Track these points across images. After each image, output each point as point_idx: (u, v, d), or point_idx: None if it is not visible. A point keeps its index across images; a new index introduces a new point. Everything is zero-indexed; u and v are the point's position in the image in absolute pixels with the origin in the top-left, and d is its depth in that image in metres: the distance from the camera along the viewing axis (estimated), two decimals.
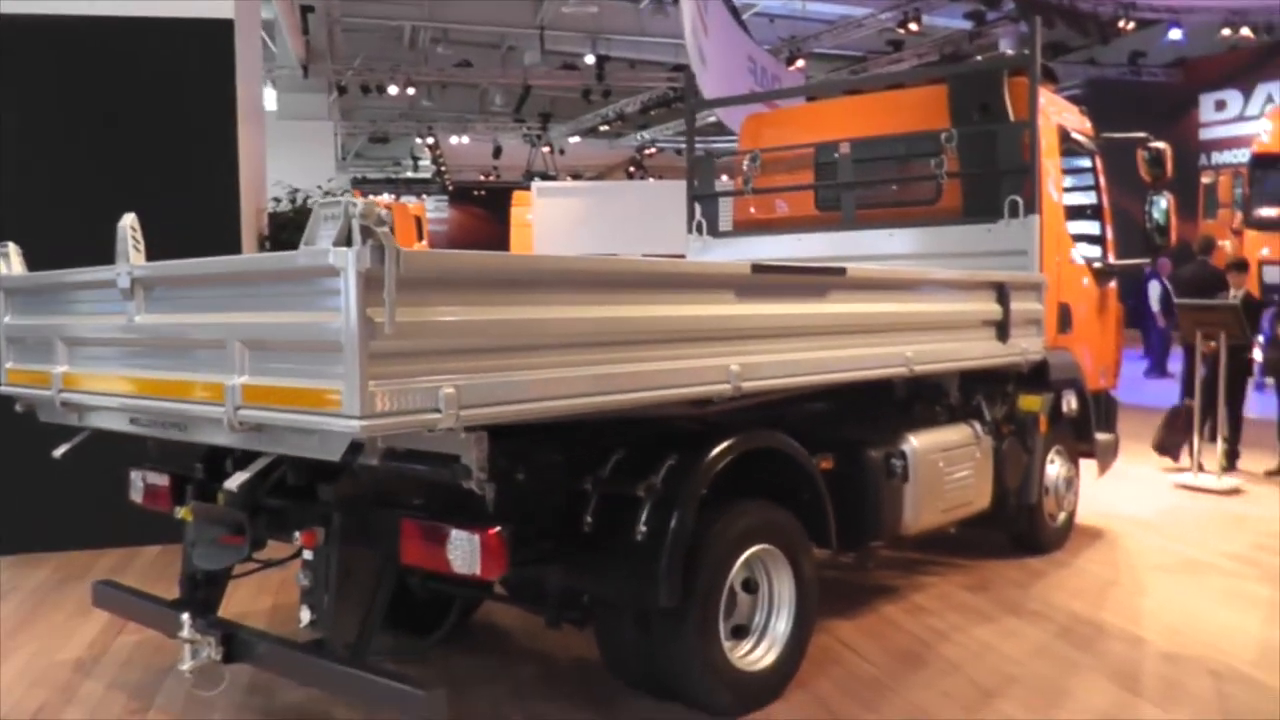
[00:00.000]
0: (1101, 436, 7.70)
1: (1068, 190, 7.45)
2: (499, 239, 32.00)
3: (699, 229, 8.17)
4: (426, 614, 5.20)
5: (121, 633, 5.74)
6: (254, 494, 4.43)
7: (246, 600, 5.97)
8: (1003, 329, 6.19)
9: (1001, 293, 6.17)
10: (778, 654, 4.81)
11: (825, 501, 5.04)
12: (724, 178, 8.48)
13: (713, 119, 15.83)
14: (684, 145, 9.02)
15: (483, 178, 41.84)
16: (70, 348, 4.53)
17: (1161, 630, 5.74)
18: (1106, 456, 7.82)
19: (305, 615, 4.25)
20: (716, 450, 4.54)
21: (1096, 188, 7.84)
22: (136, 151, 7.60)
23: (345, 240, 3.22)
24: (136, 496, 5.09)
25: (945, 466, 5.94)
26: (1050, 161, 7.02)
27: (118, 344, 4.32)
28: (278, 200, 9.82)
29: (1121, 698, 4.86)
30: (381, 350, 3.24)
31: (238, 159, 7.93)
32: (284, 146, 25.40)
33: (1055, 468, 7.15)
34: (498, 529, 3.88)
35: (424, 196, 45.51)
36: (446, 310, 3.43)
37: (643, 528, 4.32)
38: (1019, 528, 6.93)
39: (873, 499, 5.51)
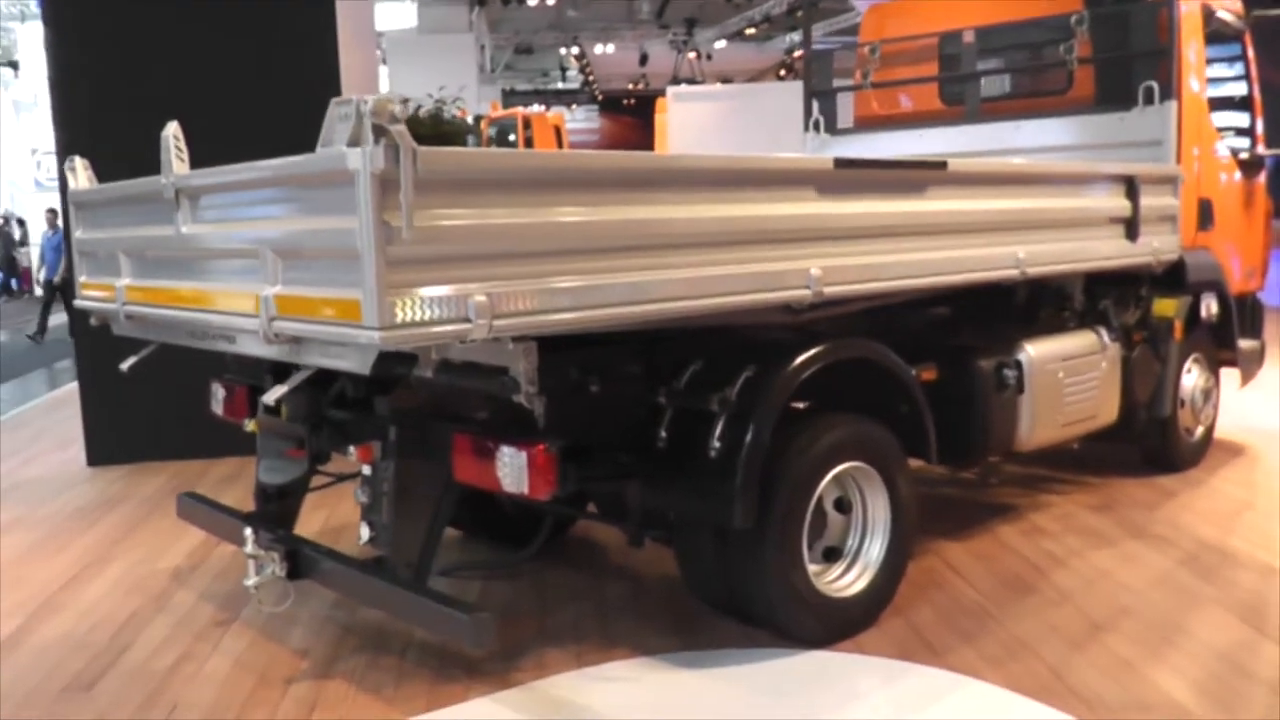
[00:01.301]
0: (1245, 343, 7.04)
1: (1212, 78, 6.75)
2: (649, 147, 31.67)
3: (816, 126, 7.74)
4: (522, 527, 5.07)
5: (221, 544, 5.74)
6: (314, 406, 4.34)
7: (329, 515, 5.94)
8: (1132, 227, 5.66)
9: (1131, 187, 5.63)
10: (870, 579, 4.51)
11: (925, 415, 4.68)
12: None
13: (859, 18, 15.07)
14: (835, 46, 8.58)
15: (631, 86, 41.38)
16: (131, 260, 4.45)
17: None
18: (1250, 365, 7.17)
19: (364, 533, 4.15)
20: (798, 361, 4.22)
21: (1246, 72, 7.11)
22: (227, 71, 7.53)
23: (358, 141, 2.99)
24: (216, 408, 5.05)
25: (1065, 377, 5.49)
26: (1192, 43, 6.36)
27: (169, 256, 4.21)
28: None
29: (1244, 635, 4.41)
30: (401, 256, 3.02)
31: (339, 78, 7.75)
32: (425, 60, 25.52)
33: (1192, 378, 6.59)
34: (545, 445, 3.67)
35: (573, 107, 45.33)
36: (474, 214, 3.18)
37: (716, 443, 4.06)
38: (1151, 443, 6.43)
39: (981, 412, 5.13)
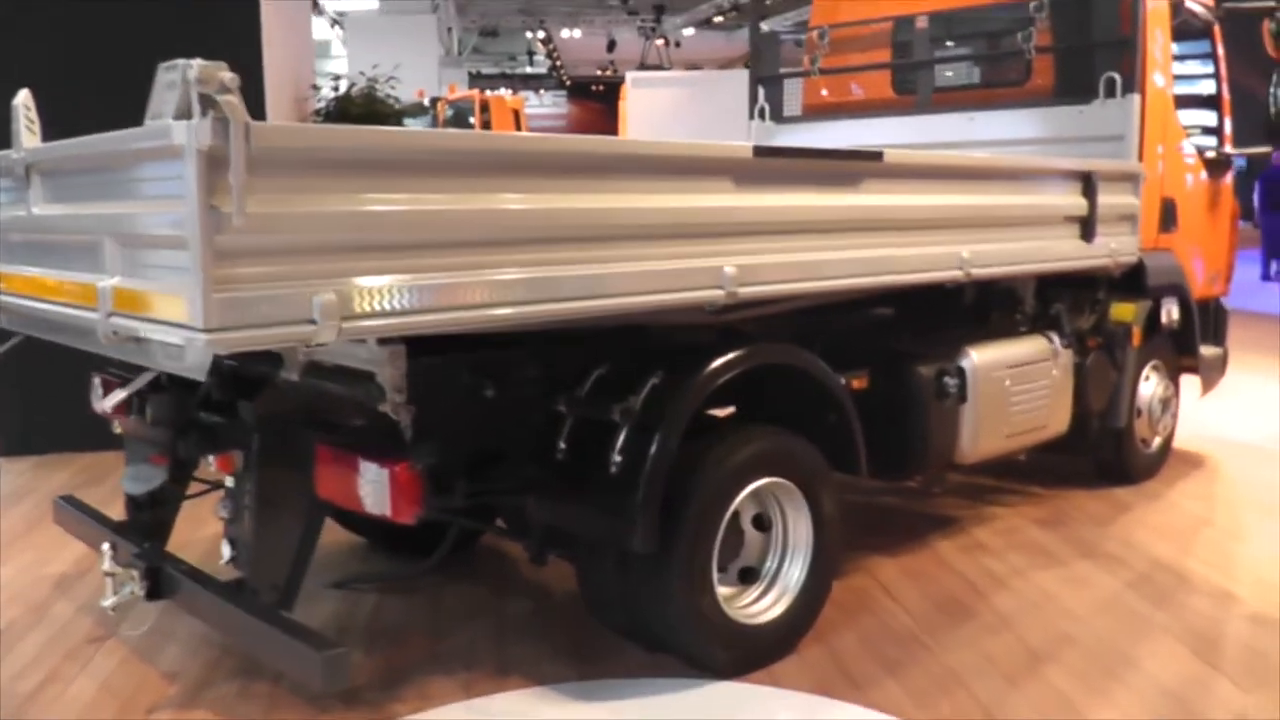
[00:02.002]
0: (1207, 351, 6.71)
1: (1179, 74, 6.40)
2: (616, 133, 31.30)
3: (761, 114, 7.36)
4: (429, 537, 4.67)
5: None
6: (179, 409, 3.94)
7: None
8: (1088, 227, 5.32)
9: (1088, 184, 5.28)
10: (788, 605, 4.14)
11: (854, 426, 4.32)
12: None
13: None
14: (785, 31, 8.21)
15: (599, 72, 40.97)
16: None
17: (1256, 585, 4.88)
18: (1212, 373, 6.84)
19: (226, 551, 3.76)
20: (711, 367, 3.86)
21: (1215, 68, 6.78)
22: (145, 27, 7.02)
23: (186, 113, 2.60)
24: (95, 404, 4.62)
25: (1012, 385, 5.14)
26: (1157, 35, 6.01)
27: (24, 240, 3.79)
28: (316, 89, 9.23)
29: (1194, 669, 4.07)
30: (231, 247, 2.62)
31: (261, 41, 7.31)
32: (388, 41, 25.00)
33: (1150, 386, 6.25)
34: (409, 462, 3.28)
35: (541, 92, 44.82)
36: (322, 199, 2.78)
37: (617, 458, 3.69)
38: (1105, 455, 6.10)
39: (919, 423, 4.78)
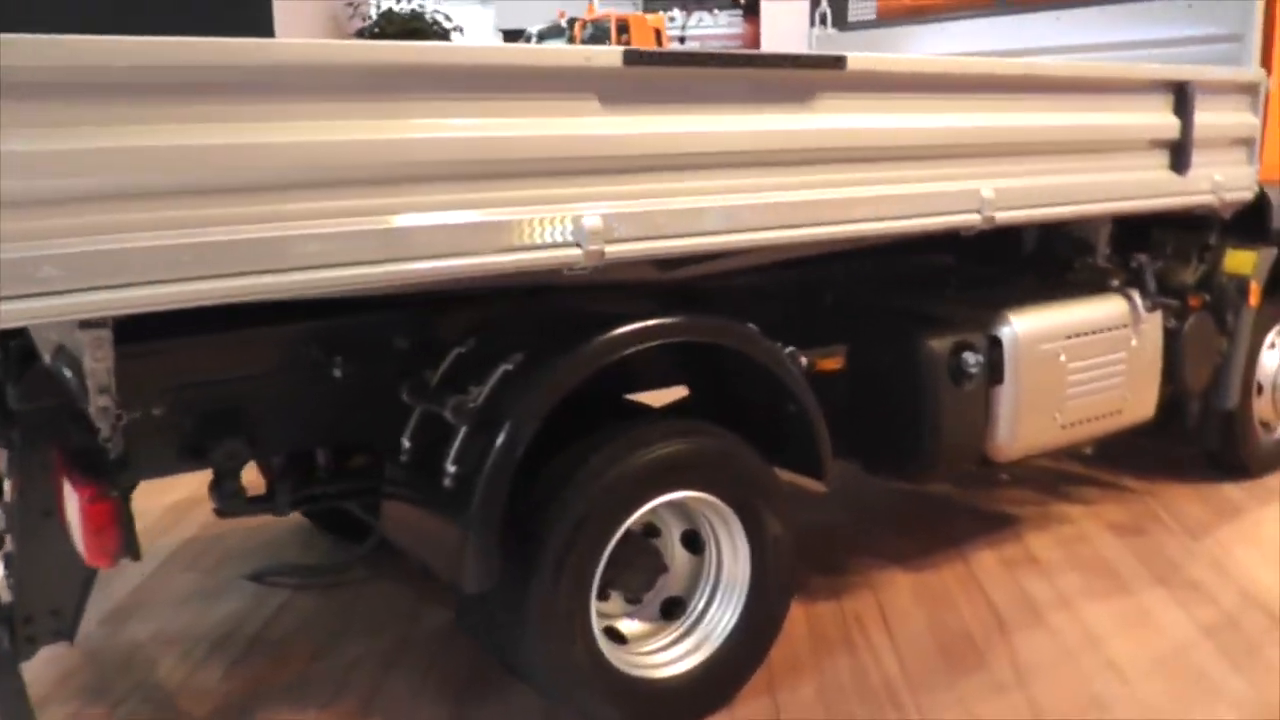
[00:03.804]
0: None
1: None
2: None
3: (822, 19, 6.23)
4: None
5: None
6: None
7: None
8: (1180, 154, 4.09)
9: (1181, 97, 4.05)
10: (709, 656, 3.21)
11: (814, 421, 3.31)
12: None
13: None
14: None
15: None
16: None
17: None
18: None
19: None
20: (587, 349, 2.91)
21: None
22: None
23: None
24: None
25: (1071, 360, 4.00)
26: None
27: None
28: (354, 4, 8.42)
29: None
30: None
31: None
32: None
33: (1275, 357, 4.93)
34: (98, 489, 2.46)
35: (715, 11, 43.21)
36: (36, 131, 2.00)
37: (450, 468, 2.82)
38: (1210, 443, 4.84)
39: (926, 412, 3.71)
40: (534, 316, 3.13)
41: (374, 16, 7.94)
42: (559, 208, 2.67)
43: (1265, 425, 4.96)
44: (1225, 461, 4.92)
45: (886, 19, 6.19)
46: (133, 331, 2.39)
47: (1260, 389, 4.85)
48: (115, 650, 3.69)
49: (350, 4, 8.09)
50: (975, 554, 4.30)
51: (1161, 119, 4.02)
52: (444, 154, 2.52)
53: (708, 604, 3.26)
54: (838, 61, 3.08)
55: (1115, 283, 4.25)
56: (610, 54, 2.72)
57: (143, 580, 4.23)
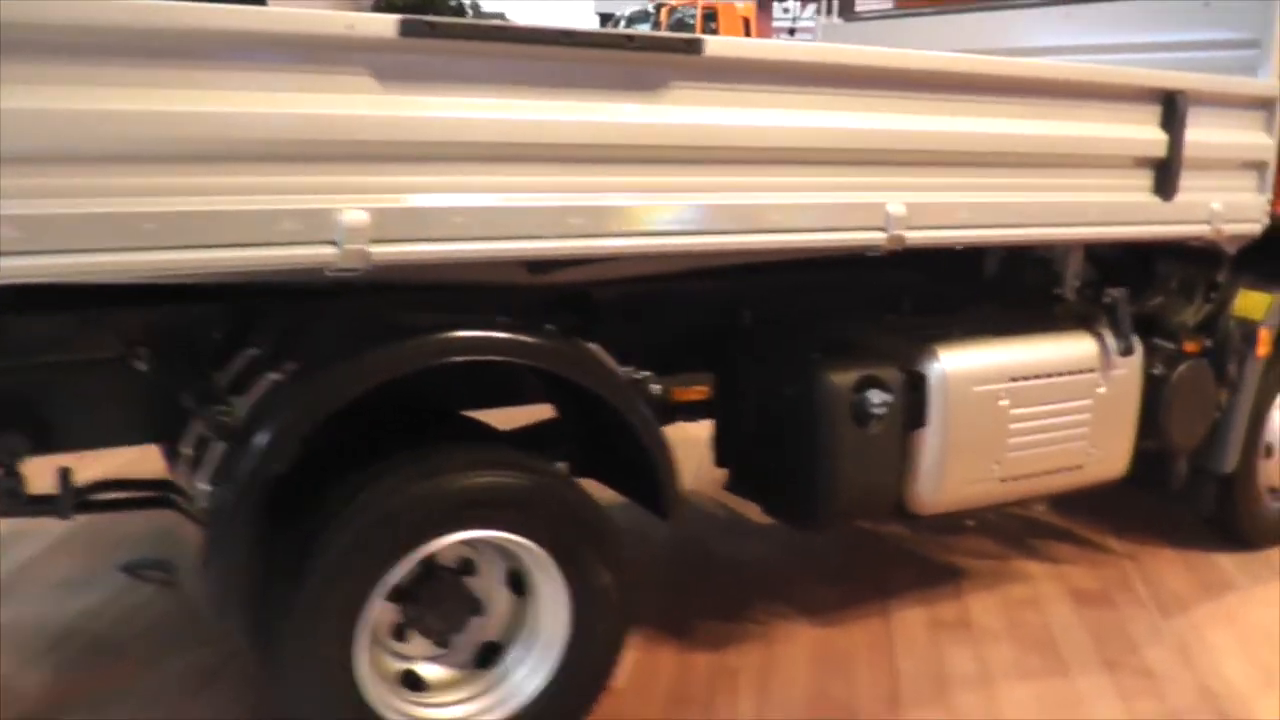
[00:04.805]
0: None
1: None
2: None
3: (828, 8, 5.73)
4: None
5: None
6: None
7: None
8: (1166, 175, 3.52)
9: (1170, 109, 3.47)
10: (509, 717, 2.81)
11: (655, 456, 2.89)
12: None
13: None
14: None
15: None
16: None
17: None
18: None
19: None
20: (363, 364, 2.55)
21: None
22: None
23: None
24: None
25: (1015, 406, 3.48)
26: None
27: None
28: None
29: None
30: None
31: None
32: None
33: None
34: None
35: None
36: None
37: (203, 487, 2.52)
38: (1203, 508, 4.23)
39: (821, 456, 3.23)
40: (345, 319, 2.78)
41: None
42: (310, 198, 2.29)
43: (1273, 492, 4.32)
44: (1222, 528, 4.31)
45: (900, 10, 5.68)
46: None
47: (1270, 450, 4.23)
48: None
49: None
50: (902, 611, 3.81)
51: (1142, 132, 3.44)
52: (158, 130, 2.15)
53: (524, 655, 2.87)
54: (690, 45, 2.63)
55: (1084, 319, 3.70)
56: (383, 22, 2.32)
57: (29, 560, 4.05)
